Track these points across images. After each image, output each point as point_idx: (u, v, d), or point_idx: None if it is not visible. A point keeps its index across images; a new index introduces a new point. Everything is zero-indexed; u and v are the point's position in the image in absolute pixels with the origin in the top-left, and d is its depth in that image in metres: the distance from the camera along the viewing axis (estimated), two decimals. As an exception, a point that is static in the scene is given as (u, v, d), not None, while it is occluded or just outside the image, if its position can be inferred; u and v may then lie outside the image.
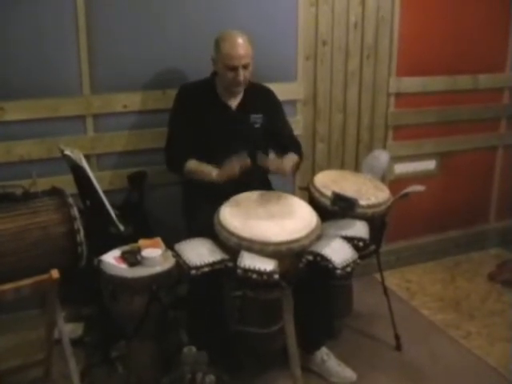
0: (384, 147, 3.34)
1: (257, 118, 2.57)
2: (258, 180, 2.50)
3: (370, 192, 2.54)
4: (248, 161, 2.31)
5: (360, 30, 3.13)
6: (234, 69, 2.40)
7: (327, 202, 2.40)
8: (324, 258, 2.03)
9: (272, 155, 2.37)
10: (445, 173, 3.63)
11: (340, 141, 3.25)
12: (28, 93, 2.53)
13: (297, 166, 2.64)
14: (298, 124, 3.04)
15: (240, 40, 2.40)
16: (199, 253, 2.05)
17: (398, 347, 2.73)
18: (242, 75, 2.42)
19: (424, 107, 3.43)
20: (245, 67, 2.41)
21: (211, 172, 2.39)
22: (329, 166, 3.23)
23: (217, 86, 2.55)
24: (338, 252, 2.07)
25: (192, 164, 2.47)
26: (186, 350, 2.03)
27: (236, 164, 2.31)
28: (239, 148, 2.40)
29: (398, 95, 3.33)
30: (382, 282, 2.75)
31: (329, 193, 2.41)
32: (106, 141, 2.71)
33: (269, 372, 2.51)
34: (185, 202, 2.66)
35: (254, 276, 1.92)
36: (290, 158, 2.54)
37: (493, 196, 3.89)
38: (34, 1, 2.46)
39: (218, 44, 2.43)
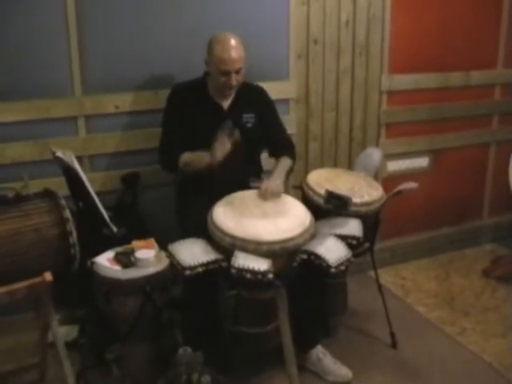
0: (377, 145, 3.34)
1: (249, 118, 2.57)
2: (251, 179, 2.49)
3: (363, 190, 2.54)
4: (236, 131, 2.30)
5: (351, 28, 3.13)
6: (227, 73, 2.39)
7: (321, 201, 2.40)
8: (318, 257, 2.03)
9: (264, 181, 2.38)
10: (438, 170, 3.64)
11: (333, 139, 3.26)
12: (19, 94, 2.51)
13: (290, 170, 2.64)
14: (290, 123, 3.04)
15: (233, 44, 2.37)
16: (193, 253, 2.05)
17: (394, 344, 2.73)
18: (235, 79, 2.41)
19: (416, 104, 3.43)
20: (237, 72, 2.40)
21: (204, 157, 2.37)
22: (322, 164, 3.23)
23: (208, 85, 2.54)
24: (331, 250, 2.07)
25: (185, 156, 2.45)
26: (181, 350, 2.02)
27: (224, 138, 2.31)
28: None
29: (390, 93, 3.33)
30: (377, 280, 2.75)
31: (322, 191, 2.41)
32: (98, 142, 2.70)
33: (264, 371, 2.51)
34: (178, 202, 2.65)
35: (248, 275, 1.92)
36: (282, 168, 2.52)
37: (486, 192, 3.90)
38: (23, 1, 2.45)
39: (211, 46, 2.41)
